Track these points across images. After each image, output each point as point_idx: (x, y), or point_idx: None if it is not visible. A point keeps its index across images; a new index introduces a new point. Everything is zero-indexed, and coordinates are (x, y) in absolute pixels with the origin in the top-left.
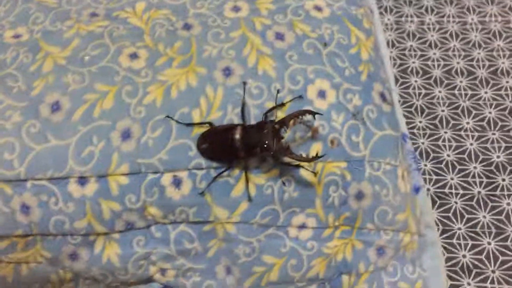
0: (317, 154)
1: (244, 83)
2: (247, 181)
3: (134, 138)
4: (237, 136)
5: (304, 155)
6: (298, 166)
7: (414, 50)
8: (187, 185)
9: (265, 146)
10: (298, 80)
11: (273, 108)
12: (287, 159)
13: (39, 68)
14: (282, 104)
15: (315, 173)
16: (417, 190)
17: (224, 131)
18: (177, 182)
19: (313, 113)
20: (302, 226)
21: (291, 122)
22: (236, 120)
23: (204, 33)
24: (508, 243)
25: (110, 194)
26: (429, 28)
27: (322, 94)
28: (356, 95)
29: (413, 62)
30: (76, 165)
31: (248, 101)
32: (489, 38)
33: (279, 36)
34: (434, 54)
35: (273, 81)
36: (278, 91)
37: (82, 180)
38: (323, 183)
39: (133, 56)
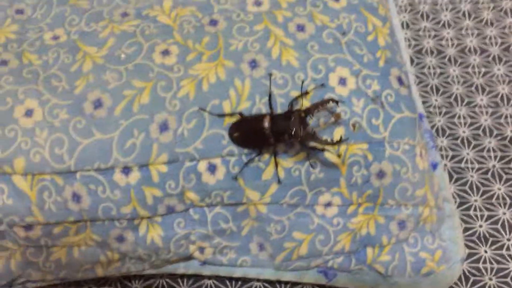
0: (341, 138)
1: (270, 75)
2: (276, 165)
3: (171, 129)
4: (266, 124)
5: (329, 140)
6: (323, 150)
7: (428, 31)
8: (221, 171)
9: (293, 133)
10: (320, 69)
11: (298, 97)
12: (313, 144)
13: (79, 67)
14: (306, 93)
15: (339, 155)
16: (434, 166)
17: (253, 120)
18: (212, 168)
19: (335, 101)
20: (328, 204)
21: (316, 110)
22: (264, 110)
23: (229, 28)
24: None
25: (152, 182)
26: (442, 8)
27: (342, 81)
28: (375, 80)
29: (428, 43)
30: (120, 157)
31: (274, 91)
32: (501, 16)
33: (300, 28)
34: (448, 33)
35: (297, 71)
36: (302, 82)
37: (126, 170)
38: (346, 164)
39: (165, 52)
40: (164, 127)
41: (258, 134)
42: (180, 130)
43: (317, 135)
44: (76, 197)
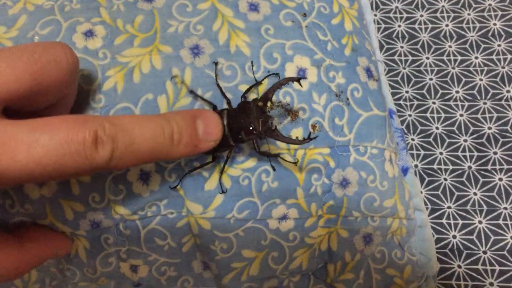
0: (309, 136)
1: (215, 63)
2: (221, 172)
3: None
4: (224, 121)
5: (293, 137)
6: (277, 155)
7: (400, 12)
8: (156, 180)
9: (250, 128)
10: (275, 57)
11: (250, 88)
12: (264, 148)
13: None
14: (259, 83)
15: (295, 162)
16: (405, 171)
17: None
18: (144, 177)
19: (297, 79)
20: (283, 218)
21: (273, 94)
22: (207, 106)
23: (168, 6)
24: (500, 221)
25: (71, 194)
26: None
27: (302, 72)
28: (340, 72)
29: (399, 26)
30: None
31: (220, 84)
32: None
33: (253, 7)
34: (421, 16)
35: (248, 59)
36: (253, 70)
37: None
38: (304, 172)
39: (89, 34)
40: None
41: None
42: None
43: (278, 130)
44: None
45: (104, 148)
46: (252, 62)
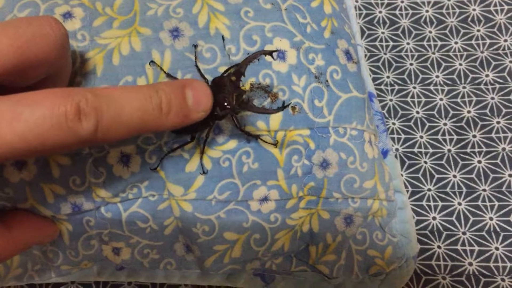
0: (283, 104)
1: (195, 46)
2: (202, 152)
3: None
4: None
5: (267, 107)
6: (257, 136)
7: None
8: (136, 162)
9: (225, 103)
10: (255, 40)
11: (228, 69)
12: (248, 128)
13: None
14: (237, 65)
15: (275, 143)
16: (385, 153)
17: None
18: (125, 160)
19: (269, 53)
20: (264, 199)
21: (246, 67)
22: None
23: None
24: (479, 202)
25: (52, 177)
26: None
27: (281, 55)
28: (319, 54)
29: (380, 12)
30: None
31: (199, 66)
32: None
33: None
34: (402, 2)
35: (227, 42)
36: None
37: (19, 163)
38: (284, 153)
39: (67, 15)
40: None
41: None
42: None
43: (252, 103)
44: None
45: (88, 120)
46: (223, 36)
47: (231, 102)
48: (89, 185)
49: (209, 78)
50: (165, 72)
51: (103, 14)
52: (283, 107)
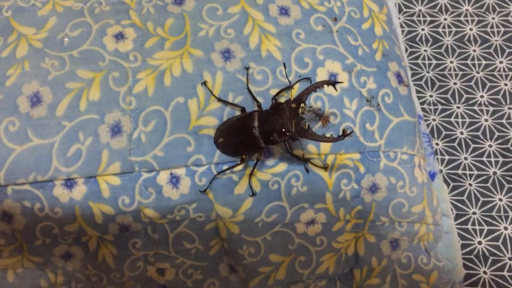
0: (343, 132)
1: (247, 68)
2: (251, 174)
3: (124, 133)
4: (255, 123)
5: (328, 135)
6: (307, 160)
7: (423, 16)
8: (186, 183)
9: (283, 129)
10: (306, 62)
11: (281, 91)
12: (297, 152)
13: (12, 52)
14: (291, 87)
15: (325, 167)
16: (432, 176)
17: (241, 120)
18: (174, 181)
19: (332, 83)
20: (311, 222)
21: (307, 97)
22: (238, 112)
23: (198, 9)
24: None
25: (101, 197)
26: None
27: (333, 77)
28: (371, 77)
29: (422, 29)
30: (61, 166)
31: (251, 88)
32: (504, 1)
33: (284, 11)
34: (445, 19)
35: (279, 64)
36: (285, 72)
37: (69, 183)
38: (334, 177)
39: (119, 36)
40: (116, 129)
41: (246, 137)
42: (136, 134)
43: (312, 130)
44: (7, 217)
45: None
46: (284, 64)
47: (290, 129)
48: (138, 206)
49: (261, 100)
50: (215, 97)
51: (155, 35)
52: (344, 135)
